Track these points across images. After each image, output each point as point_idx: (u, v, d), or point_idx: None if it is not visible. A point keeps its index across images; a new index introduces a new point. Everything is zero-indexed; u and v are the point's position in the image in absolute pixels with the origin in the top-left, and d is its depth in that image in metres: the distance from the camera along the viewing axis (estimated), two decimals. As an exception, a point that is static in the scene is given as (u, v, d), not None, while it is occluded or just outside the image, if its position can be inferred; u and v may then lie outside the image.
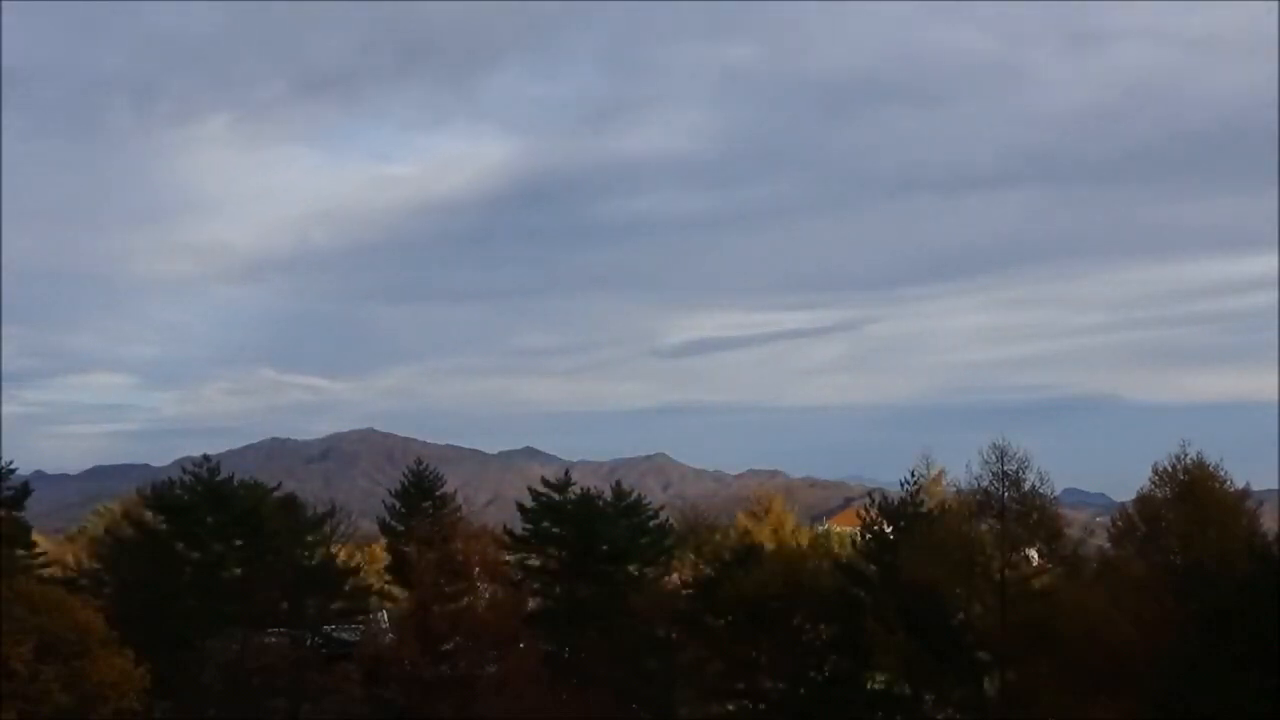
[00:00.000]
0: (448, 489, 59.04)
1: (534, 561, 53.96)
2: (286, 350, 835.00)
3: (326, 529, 53.47)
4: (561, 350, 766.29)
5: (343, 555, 54.70)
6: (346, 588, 52.52)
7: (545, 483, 56.08)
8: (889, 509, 48.42)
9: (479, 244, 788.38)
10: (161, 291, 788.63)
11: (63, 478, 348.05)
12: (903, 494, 48.54)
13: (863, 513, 50.29)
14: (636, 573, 52.38)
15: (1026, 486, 42.53)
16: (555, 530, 53.75)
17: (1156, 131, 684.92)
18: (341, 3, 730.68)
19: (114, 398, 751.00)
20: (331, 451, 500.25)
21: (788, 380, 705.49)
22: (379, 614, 54.96)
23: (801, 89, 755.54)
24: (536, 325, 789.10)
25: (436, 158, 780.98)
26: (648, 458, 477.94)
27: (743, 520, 73.92)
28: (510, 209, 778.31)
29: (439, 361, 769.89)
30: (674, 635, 50.30)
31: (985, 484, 42.46)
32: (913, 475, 48.93)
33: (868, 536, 48.92)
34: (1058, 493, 45.66)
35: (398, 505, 57.71)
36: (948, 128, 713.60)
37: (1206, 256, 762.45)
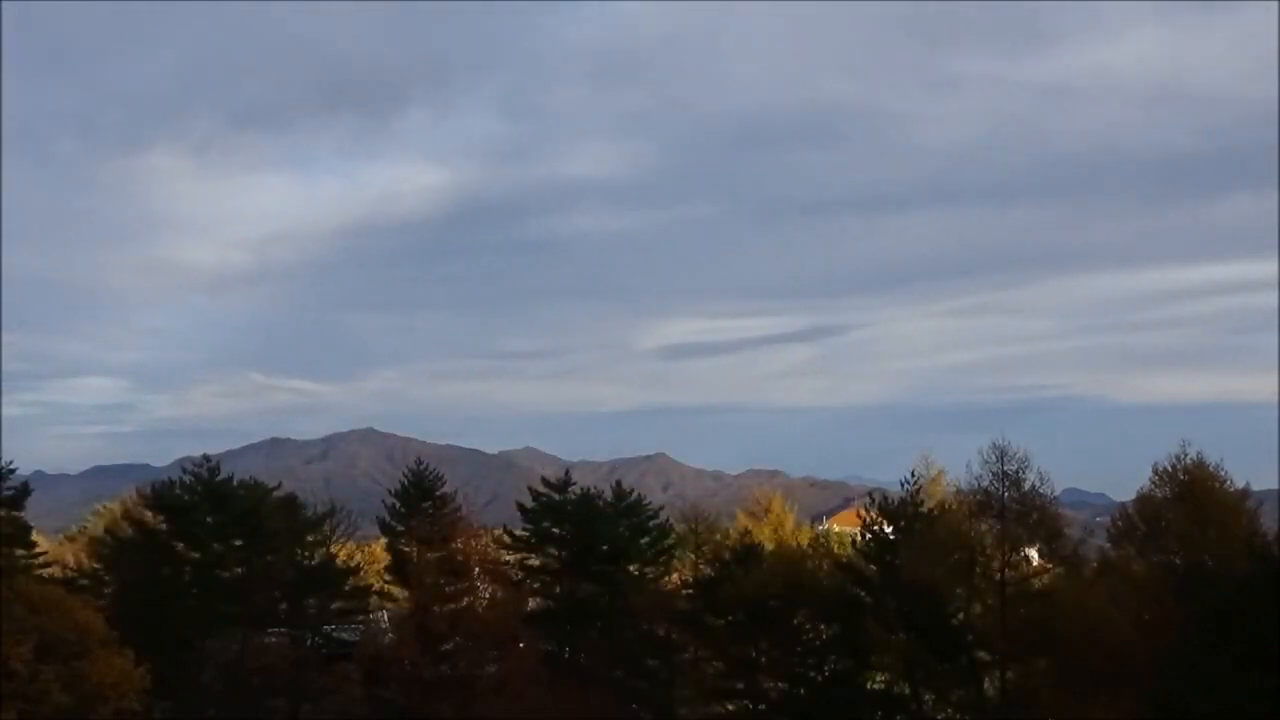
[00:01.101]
0: (448, 489, 58.81)
1: (534, 561, 53.96)
2: (273, 355, 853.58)
3: (326, 529, 53.37)
4: (540, 354, 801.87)
5: (343, 555, 54.59)
6: (346, 588, 52.47)
7: (545, 483, 56.07)
8: (889, 509, 48.37)
9: (439, 258, 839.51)
10: (143, 301, 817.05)
11: (63, 478, 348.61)
12: (903, 494, 48.54)
13: (863, 513, 50.24)
14: (636, 573, 52.39)
15: (1026, 486, 42.56)
16: (555, 530, 53.75)
17: (1026, 161, 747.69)
18: (263, 47, 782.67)
19: (111, 399, 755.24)
20: (331, 451, 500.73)
21: (770, 383, 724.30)
22: (379, 614, 54.90)
23: (699, 129, 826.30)
24: (512, 331, 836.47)
25: (383, 182, 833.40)
26: (648, 458, 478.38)
27: (743, 520, 73.81)
28: (460, 227, 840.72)
29: (424, 365, 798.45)
30: (674, 635, 50.39)
31: (985, 484, 42.49)
32: (913, 475, 49.09)
33: (868, 536, 48.83)
34: (1058, 493, 45.68)
35: (398, 505, 57.51)
36: (845, 160, 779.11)
37: (1156, 267, 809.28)
